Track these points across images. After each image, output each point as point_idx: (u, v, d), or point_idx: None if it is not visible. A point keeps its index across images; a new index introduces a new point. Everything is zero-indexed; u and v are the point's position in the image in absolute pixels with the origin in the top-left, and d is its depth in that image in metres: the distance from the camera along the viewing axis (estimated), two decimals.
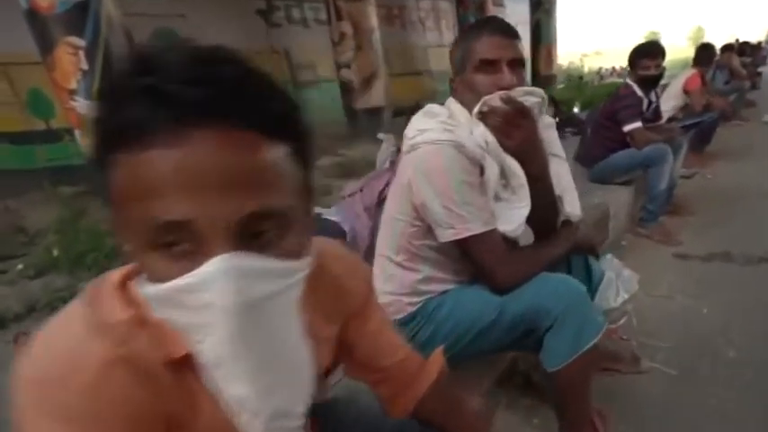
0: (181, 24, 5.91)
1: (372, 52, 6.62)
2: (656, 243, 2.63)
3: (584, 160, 3.07)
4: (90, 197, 4.46)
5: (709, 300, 2.01)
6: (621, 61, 22.33)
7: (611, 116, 2.85)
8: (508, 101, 1.06)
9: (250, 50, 6.57)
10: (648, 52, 2.79)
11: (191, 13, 6.00)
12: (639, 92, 2.81)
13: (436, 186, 1.05)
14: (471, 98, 1.12)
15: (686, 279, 2.21)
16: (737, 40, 9.32)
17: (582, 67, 17.40)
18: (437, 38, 9.39)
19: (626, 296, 2.15)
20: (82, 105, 4.35)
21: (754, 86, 8.26)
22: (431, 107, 1.21)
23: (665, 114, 4.49)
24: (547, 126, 1.22)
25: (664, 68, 2.79)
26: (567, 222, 1.25)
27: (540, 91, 1.12)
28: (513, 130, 1.07)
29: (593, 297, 1.32)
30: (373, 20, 6.58)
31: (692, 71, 4.47)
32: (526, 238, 1.22)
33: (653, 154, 2.64)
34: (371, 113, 6.69)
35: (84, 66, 4.26)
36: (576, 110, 6.29)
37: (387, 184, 1.94)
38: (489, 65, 1.09)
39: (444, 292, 1.17)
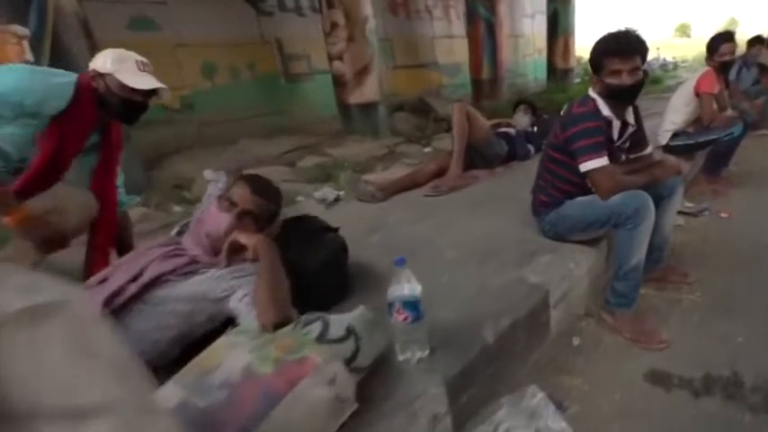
0: (160, 13, 5.08)
1: (366, 43, 5.65)
2: (627, 341, 1.61)
3: (533, 205, 2.02)
4: None
5: None
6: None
7: (562, 146, 1.77)
8: None
9: (237, 41, 5.70)
10: (619, 49, 1.63)
11: None
12: (606, 110, 1.71)
13: None
14: None
15: None
16: None
17: None
18: (446, 28, 8.19)
19: None
20: None
21: None
22: None
23: (673, 128, 3.29)
24: None
25: (643, 75, 1.68)
26: None
27: None
28: None
29: None
30: (367, 8, 5.58)
31: (705, 69, 3.24)
32: None
33: (624, 208, 1.59)
34: (365, 109, 5.77)
35: (30, 57, 3.59)
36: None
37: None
38: None
39: None
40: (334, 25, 5.58)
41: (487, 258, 1.78)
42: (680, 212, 2.72)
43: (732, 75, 4.83)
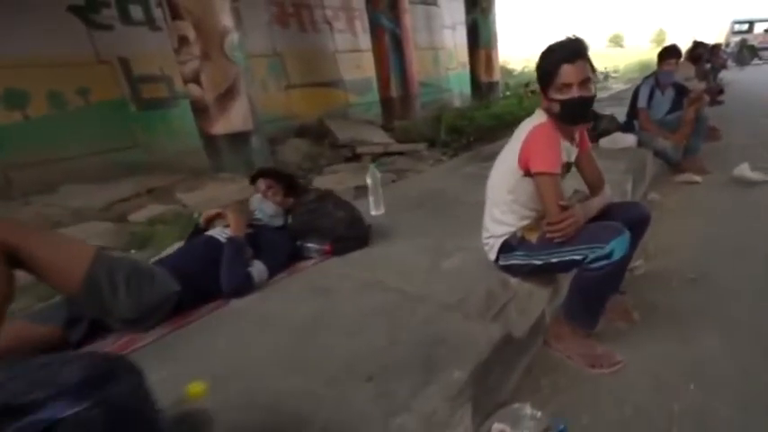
0: None
1: (226, 62, 4.36)
2: None
3: None
4: None
5: None
6: None
7: None
8: None
9: (60, 62, 4.31)
10: None
11: None
12: None
13: None
14: None
15: None
16: (695, 42, 6.46)
17: None
18: (351, 41, 7.01)
19: None
20: None
21: (715, 101, 5.88)
22: None
23: (502, 232, 1.60)
24: None
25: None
26: None
27: None
28: None
29: None
30: (225, 19, 4.30)
31: (540, 119, 1.50)
32: None
33: None
34: (233, 140, 4.48)
35: None
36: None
37: None
38: None
39: None
40: (182, 40, 4.26)
41: None
42: None
43: (642, 101, 3.58)
